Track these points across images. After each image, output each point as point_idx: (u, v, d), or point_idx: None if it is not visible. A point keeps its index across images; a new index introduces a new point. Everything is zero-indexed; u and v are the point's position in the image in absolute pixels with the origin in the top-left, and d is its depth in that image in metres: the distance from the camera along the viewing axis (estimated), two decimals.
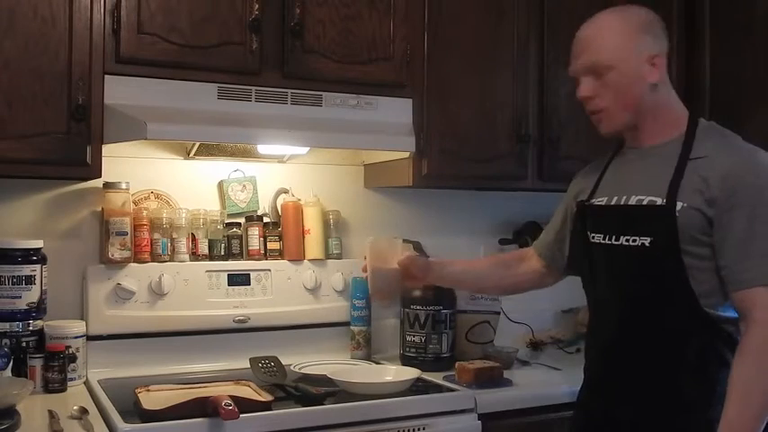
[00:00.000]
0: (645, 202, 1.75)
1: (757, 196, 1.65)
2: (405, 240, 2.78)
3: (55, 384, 2.12)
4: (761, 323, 1.60)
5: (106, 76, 2.10)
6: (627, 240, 1.76)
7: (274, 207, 2.68)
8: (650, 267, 1.73)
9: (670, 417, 1.72)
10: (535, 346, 2.85)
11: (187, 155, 2.52)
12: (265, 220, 2.63)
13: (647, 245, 1.73)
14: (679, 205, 1.69)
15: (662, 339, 1.73)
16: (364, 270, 2.00)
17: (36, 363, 2.12)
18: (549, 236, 2.08)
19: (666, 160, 1.75)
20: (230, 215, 2.59)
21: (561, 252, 2.02)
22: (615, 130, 1.84)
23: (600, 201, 1.86)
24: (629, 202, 1.78)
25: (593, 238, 1.85)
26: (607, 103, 1.79)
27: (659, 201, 1.72)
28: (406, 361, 2.45)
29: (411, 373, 2.22)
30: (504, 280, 2.14)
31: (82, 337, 2.24)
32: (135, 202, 2.45)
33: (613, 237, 1.79)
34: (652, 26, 1.79)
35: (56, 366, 2.12)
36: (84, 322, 2.29)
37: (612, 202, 1.82)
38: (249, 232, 2.58)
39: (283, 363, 2.32)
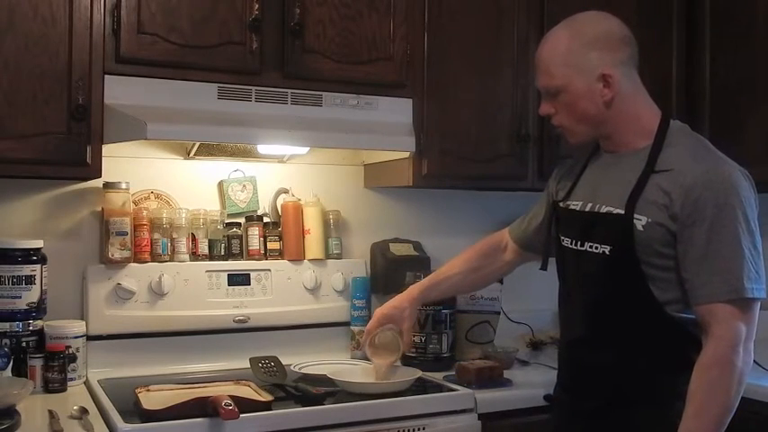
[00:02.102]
0: (605, 211, 1.78)
1: (717, 213, 1.65)
2: (404, 240, 2.81)
3: (55, 384, 2.12)
4: (717, 338, 1.63)
5: (106, 76, 2.10)
6: (590, 247, 1.79)
7: (274, 207, 2.68)
8: (612, 275, 1.76)
9: (633, 412, 1.75)
10: (535, 346, 2.85)
11: (187, 155, 2.52)
12: (265, 220, 2.63)
13: (608, 253, 1.75)
14: (644, 220, 1.70)
15: (627, 340, 1.76)
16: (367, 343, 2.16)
17: (36, 363, 2.12)
18: (529, 225, 2.10)
19: (633, 170, 1.76)
20: (230, 215, 2.59)
21: (539, 239, 2.04)
22: (580, 142, 1.87)
23: (574, 204, 1.88)
24: (595, 210, 1.81)
25: (563, 241, 1.89)
26: (563, 120, 1.83)
27: (619, 211, 1.74)
28: (406, 361, 2.45)
29: (411, 373, 2.22)
30: (490, 274, 2.21)
31: (82, 337, 2.24)
32: (135, 202, 2.45)
33: (579, 242, 1.83)
34: (605, 40, 1.77)
35: (56, 366, 2.12)
36: (84, 322, 2.29)
37: (587, 209, 1.83)
38: (249, 232, 2.58)
39: (283, 363, 2.32)
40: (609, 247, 1.75)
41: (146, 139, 2.02)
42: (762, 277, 1.67)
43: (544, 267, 2.01)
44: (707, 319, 1.65)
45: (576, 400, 1.86)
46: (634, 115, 1.80)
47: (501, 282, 2.73)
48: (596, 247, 1.78)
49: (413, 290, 2.17)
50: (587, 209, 1.83)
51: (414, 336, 2.45)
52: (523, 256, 2.14)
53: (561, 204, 1.92)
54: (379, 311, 2.15)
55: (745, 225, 1.66)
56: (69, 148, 2.05)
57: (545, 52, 1.82)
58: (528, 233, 2.09)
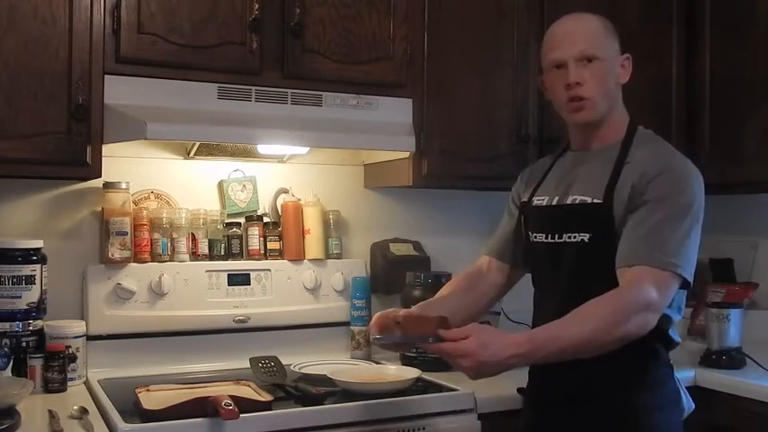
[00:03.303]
0: (578, 202, 1.86)
1: (661, 192, 1.75)
2: (404, 240, 2.81)
3: (55, 384, 2.12)
4: (631, 286, 1.69)
5: (106, 76, 2.10)
6: (569, 237, 1.86)
7: (274, 207, 2.68)
8: (590, 262, 1.82)
9: (602, 404, 1.80)
10: None
11: (187, 155, 2.52)
12: (265, 219, 2.63)
13: (587, 240, 1.82)
14: (617, 207, 1.78)
15: None
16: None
17: (36, 363, 2.12)
18: (504, 236, 2.10)
19: (606, 163, 1.85)
20: (230, 215, 2.59)
21: (516, 246, 2.06)
22: (592, 118, 1.90)
23: (540, 200, 1.96)
24: (566, 202, 1.88)
25: (535, 237, 1.95)
26: (592, 91, 1.88)
27: (597, 200, 1.82)
28: (406, 361, 2.45)
29: (411, 373, 2.22)
30: (482, 296, 2.09)
31: (82, 336, 2.24)
32: (135, 202, 2.45)
33: (555, 235, 1.89)
34: (617, 34, 1.93)
35: (56, 366, 2.12)
36: (84, 322, 2.29)
37: (554, 203, 1.91)
38: (249, 232, 2.58)
39: (283, 363, 2.31)
40: (588, 235, 1.82)
41: (146, 139, 2.02)
42: (689, 263, 1.73)
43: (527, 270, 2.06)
44: (626, 279, 1.71)
45: (545, 393, 1.91)
46: (619, 110, 1.94)
47: None
48: (574, 237, 1.84)
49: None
50: (554, 203, 1.91)
51: None
52: (507, 273, 2.09)
53: (527, 203, 2.00)
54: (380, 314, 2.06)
55: (688, 209, 1.75)
56: (69, 148, 2.05)
57: (582, 23, 1.92)
58: (502, 241, 2.09)
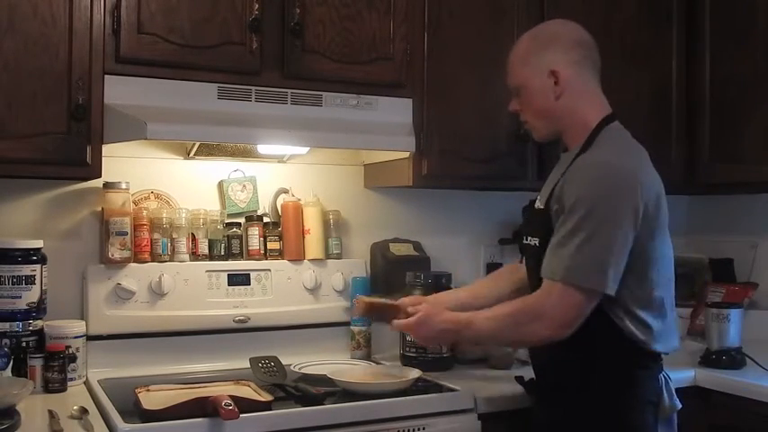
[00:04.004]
0: (536, 207, 1.99)
1: (572, 199, 1.80)
2: (404, 240, 2.81)
3: (55, 384, 2.12)
4: (528, 298, 1.86)
5: (106, 76, 2.10)
6: (528, 240, 2.00)
7: (274, 207, 2.68)
8: (539, 266, 1.88)
9: (584, 398, 1.87)
10: None
11: (187, 155, 2.52)
12: (265, 220, 2.63)
13: (537, 245, 1.92)
14: (553, 213, 1.86)
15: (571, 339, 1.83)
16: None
17: (36, 363, 2.12)
18: None
19: (561, 168, 1.94)
20: (230, 215, 2.59)
21: None
22: (543, 137, 2.05)
23: (535, 204, 2.06)
24: (535, 206, 2.01)
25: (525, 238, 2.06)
26: (526, 116, 2.02)
27: (542, 205, 1.94)
28: (406, 361, 2.45)
29: (411, 373, 2.22)
30: (505, 284, 2.25)
31: (82, 337, 2.24)
32: (135, 202, 2.45)
33: (525, 237, 2.03)
34: (559, 41, 1.96)
35: (56, 366, 2.12)
36: (84, 322, 2.29)
37: (534, 206, 2.03)
38: (249, 232, 2.58)
39: (283, 363, 2.31)
40: (537, 239, 1.93)
41: (146, 139, 2.02)
42: (597, 268, 1.76)
43: None
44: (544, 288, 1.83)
45: (533, 382, 2.06)
46: (580, 113, 1.95)
47: None
48: (531, 240, 1.97)
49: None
50: (535, 206, 2.03)
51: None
52: None
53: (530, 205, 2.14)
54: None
55: (595, 216, 1.77)
56: (69, 148, 2.05)
57: (510, 55, 2.02)
58: None
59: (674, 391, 1.95)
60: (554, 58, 1.93)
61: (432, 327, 1.98)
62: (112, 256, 2.34)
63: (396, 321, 2.06)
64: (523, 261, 2.11)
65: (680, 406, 1.95)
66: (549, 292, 1.81)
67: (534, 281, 1.92)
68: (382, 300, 2.24)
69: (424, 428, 2.06)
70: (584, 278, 1.76)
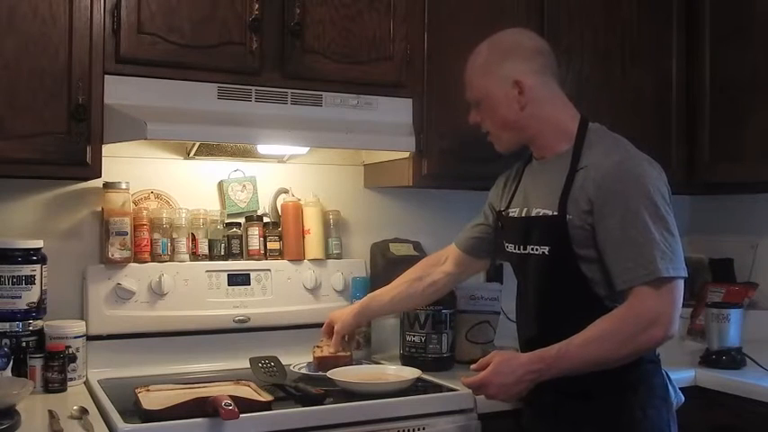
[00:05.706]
0: (540, 214, 1.90)
1: (626, 203, 1.78)
2: (404, 240, 2.80)
3: (55, 384, 2.12)
4: (633, 307, 1.76)
5: (106, 76, 2.10)
6: (532, 249, 1.92)
7: (274, 207, 2.68)
8: (552, 273, 1.88)
9: (585, 404, 1.85)
10: None
11: (187, 155, 2.52)
12: (265, 220, 2.63)
13: (547, 253, 1.88)
14: (574, 217, 1.82)
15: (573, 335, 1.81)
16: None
17: (36, 363, 2.12)
18: (471, 229, 2.25)
19: (559, 173, 1.88)
20: (230, 215, 2.59)
21: (481, 243, 2.20)
22: (507, 148, 2.02)
23: (513, 212, 2.02)
24: (531, 214, 1.94)
25: (508, 247, 2.02)
26: (488, 127, 2.00)
27: (552, 212, 1.87)
28: (406, 361, 2.45)
29: (411, 373, 2.22)
30: (430, 285, 2.30)
31: (82, 336, 2.24)
32: (135, 202, 2.45)
33: (521, 246, 1.96)
34: (519, 50, 1.94)
35: (56, 366, 2.12)
36: (84, 322, 2.29)
37: (523, 214, 1.97)
38: (249, 232, 2.58)
39: (283, 363, 2.31)
40: (548, 248, 1.87)
41: (146, 139, 2.02)
42: (677, 257, 1.77)
43: (493, 264, 2.29)
44: (628, 299, 1.77)
45: (535, 392, 1.93)
46: (553, 119, 1.94)
47: (501, 282, 2.73)
48: (536, 249, 1.90)
49: (350, 311, 2.32)
50: (523, 214, 1.97)
51: (413, 335, 2.46)
52: (463, 267, 2.27)
53: (503, 213, 2.05)
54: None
55: (654, 211, 1.76)
56: (69, 148, 2.05)
57: (468, 67, 1.99)
58: (468, 236, 2.24)
59: (676, 385, 1.96)
60: (516, 68, 1.92)
61: (510, 372, 1.80)
62: (112, 256, 2.34)
63: (465, 379, 1.89)
64: (495, 265, 2.18)
65: (684, 399, 1.96)
66: (654, 293, 1.74)
67: (540, 286, 1.91)
68: (333, 353, 2.29)
69: (423, 428, 2.06)
70: (678, 268, 1.76)
